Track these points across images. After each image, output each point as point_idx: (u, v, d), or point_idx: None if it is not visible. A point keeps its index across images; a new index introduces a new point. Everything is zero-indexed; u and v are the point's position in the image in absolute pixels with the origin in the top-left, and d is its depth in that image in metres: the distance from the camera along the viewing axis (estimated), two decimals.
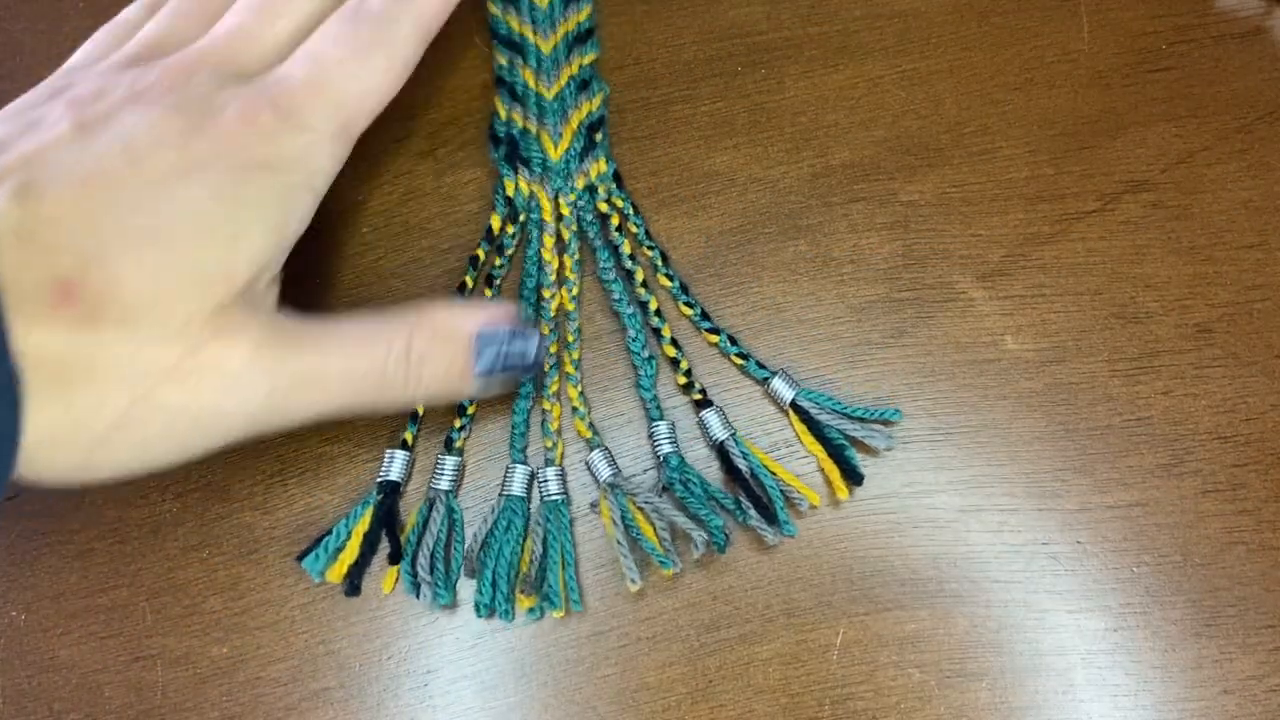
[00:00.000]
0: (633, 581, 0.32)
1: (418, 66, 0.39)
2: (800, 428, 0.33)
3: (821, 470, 0.33)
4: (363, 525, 0.32)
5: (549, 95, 0.36)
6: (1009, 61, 0.37)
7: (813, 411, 0.33)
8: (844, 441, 0.33)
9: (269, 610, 0.33)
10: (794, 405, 0.33)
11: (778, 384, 0.34)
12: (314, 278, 0.37)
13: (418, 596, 0.32)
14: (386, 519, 0.33)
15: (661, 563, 0.31)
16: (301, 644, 0.33)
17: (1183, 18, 0.38)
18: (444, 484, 0.33)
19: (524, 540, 0.33)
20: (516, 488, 0.33)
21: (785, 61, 0.38)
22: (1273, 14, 0.37)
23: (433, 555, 0.32)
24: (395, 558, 0.32)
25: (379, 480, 0.33)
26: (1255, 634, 0.31)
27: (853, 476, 0.33)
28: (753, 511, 0.32)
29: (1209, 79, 0.37)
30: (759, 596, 0.33)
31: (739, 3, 0.39)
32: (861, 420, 0.33)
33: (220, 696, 0.33)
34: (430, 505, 0.33)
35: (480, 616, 0.32)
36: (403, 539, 0.33)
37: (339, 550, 0.32)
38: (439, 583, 0.32)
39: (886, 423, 0.33)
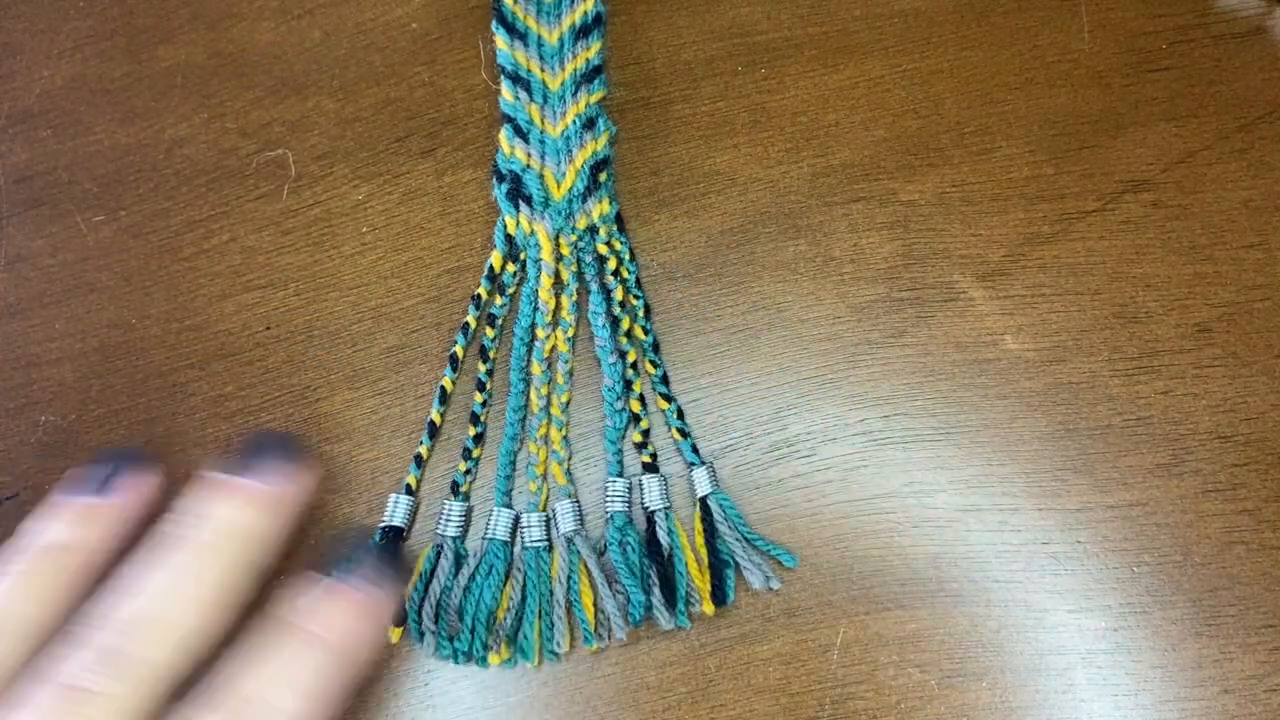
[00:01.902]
0: (557, 645, 0.31)
1: (416, 67, 0.39)
2: (698, 526, 0.33)
3: (690, 579, 0.32)
4: None
5: (554, 133, 0.36)
6: (1009, 61, 0.37)
7: (716, 518, 0.33)
8: (730, 561, 0.32)
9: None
10: (702, 502, 0.33)
11: (698, 475, 0.33)
12: (314, 278, 0.37)
13: (420, 643, 0.32)
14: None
15: (585, 638, 0.31)
16: None
17: (1183, 18, 0.38)
18: (451, 530, 0.33)
19: (504, 585, 0.32)
20: (500, 531, 0.33)
21: (785, 61, 0.38)
22: (1273, 14, 0.37)
23: (439, 605, 0.32)
24: (400, 620, 0.32)
25: (381, 526, 0.33)
26: (1255, 634, 0.31)
27: (719, 597, 0.32)
28: (657, 590, 0.31)
29: (1209, 79, 0.37)
30: (759, 596, 0.33)
31: (739, 3, 0.39)
32: (758, 549, 0.32)
33: None
34: (438, 551, 0.33)
35: (458, 663, 0.32)
36: (409, 586, 0.32)
37: None
38: (442, 634, 0.32)
39: (779, 564, 0.32)
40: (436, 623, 0.32)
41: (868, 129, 0.37)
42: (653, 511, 0.33)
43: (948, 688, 0.32)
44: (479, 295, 0.35)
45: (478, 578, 0.32)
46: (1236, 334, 0.34)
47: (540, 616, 0.32)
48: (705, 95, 0.38)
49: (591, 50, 0.37)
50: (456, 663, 0.32)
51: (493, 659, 0.31)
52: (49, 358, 0.36)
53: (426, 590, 0.32)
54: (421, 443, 0.34)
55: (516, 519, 0.33)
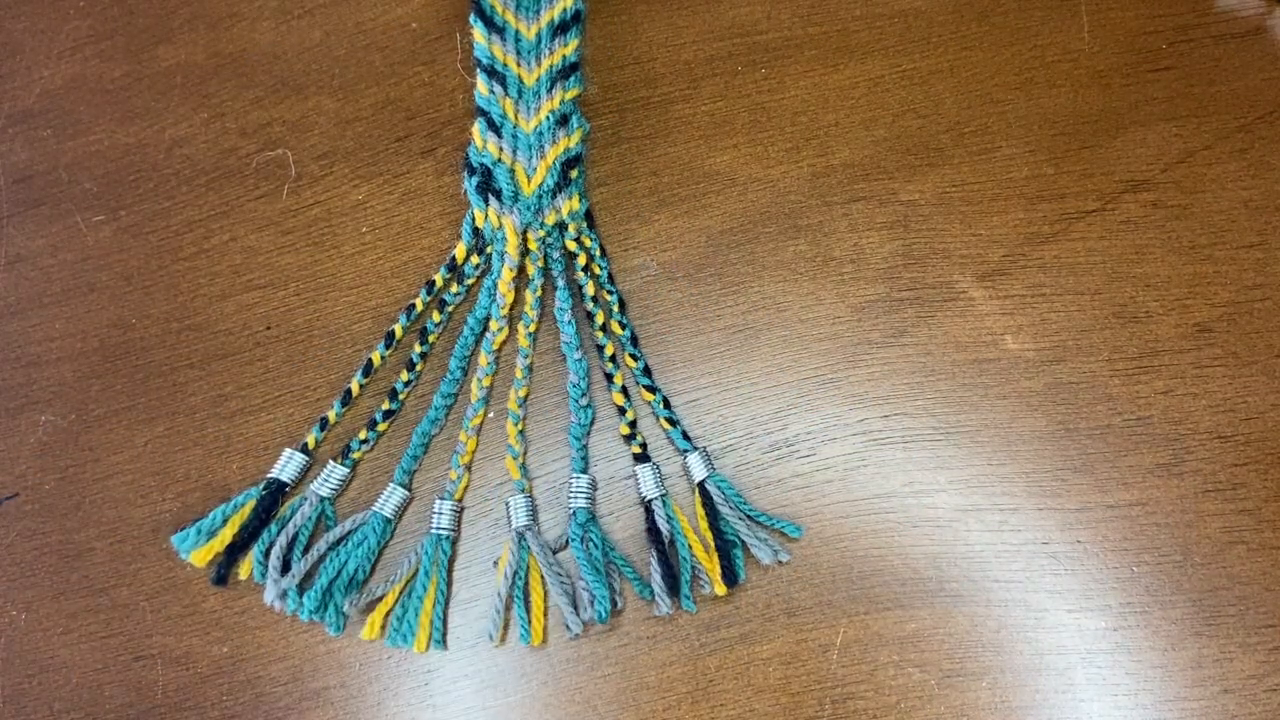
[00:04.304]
0: (490, 636, 0.32)
1: (416, 67, 0.39)
2: (700, 510, 0.33)
3: (697, 561, 0.32)
4: (240, 516, 0.33)
5: (527, 128, 0.36)
6: (1009, 61, 0.37)
7: (716, 500, 0.33)
8: (736, 540, 0.32)
9: (269, 610, 0.33)
10: (700, 486, 0.33)
11: (692, 460, 0.33)
12: (314, 278, 0.37)
13: (262, 581, 0.33)
14: (268, 514, 0.33)
15: (521, 635, 0.32)
16: (301, 644, 0.33)
17: (1183, 18, 0.38)
18: (325, 490, 0.33)
19: (374, 559, 0.33)
20: (387, 508, 0.33)
21: (785, 61, 0.38)
22: (1273, 14, 0.37)
23: (287, 551, 0.33)
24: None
25: (268, 477, 0.34)
26: (1255, 633, 0.31)
27: (730, 578, 0.32)
28: (658, 577, 0.32)
29: (1209, 79, 0.37)
30: (759, 596, 0.33)
31: (739, 3, 0.39)
32: (761, 525, 0.33)
33: (220, 696, 0.33)
34: (302, 501, 0.33)
35: (304, 619, 0.32)
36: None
37: (212, 535, 0.33)
38: (277, 578, 0.32)
39: (785, 536, 0.33)
40: (283, 572, 0.32)
41: (868, 129, 0.37)
42: (650, 500, 0.33)
43: (948, 688, 0.32)
44: (433, 281, 0.35)
45: (347, 544, 0.33)
46: (1236, 334, 0.34)
47: (433, 603, 0.32)
48: (705, 95, 0.38)
49: (569, 47, 0.37)
50: (303, 618, 0.32)
51: (368, 631, 0.32)
52: (49, 358, 0.36)
53: (276, 536, 0.33)
54: (332, 406, 0.34)
55: (408, 500, 0.34)
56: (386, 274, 0.36)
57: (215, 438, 0.35)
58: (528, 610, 0.32)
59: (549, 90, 0.36)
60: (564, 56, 0.37)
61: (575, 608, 0.32)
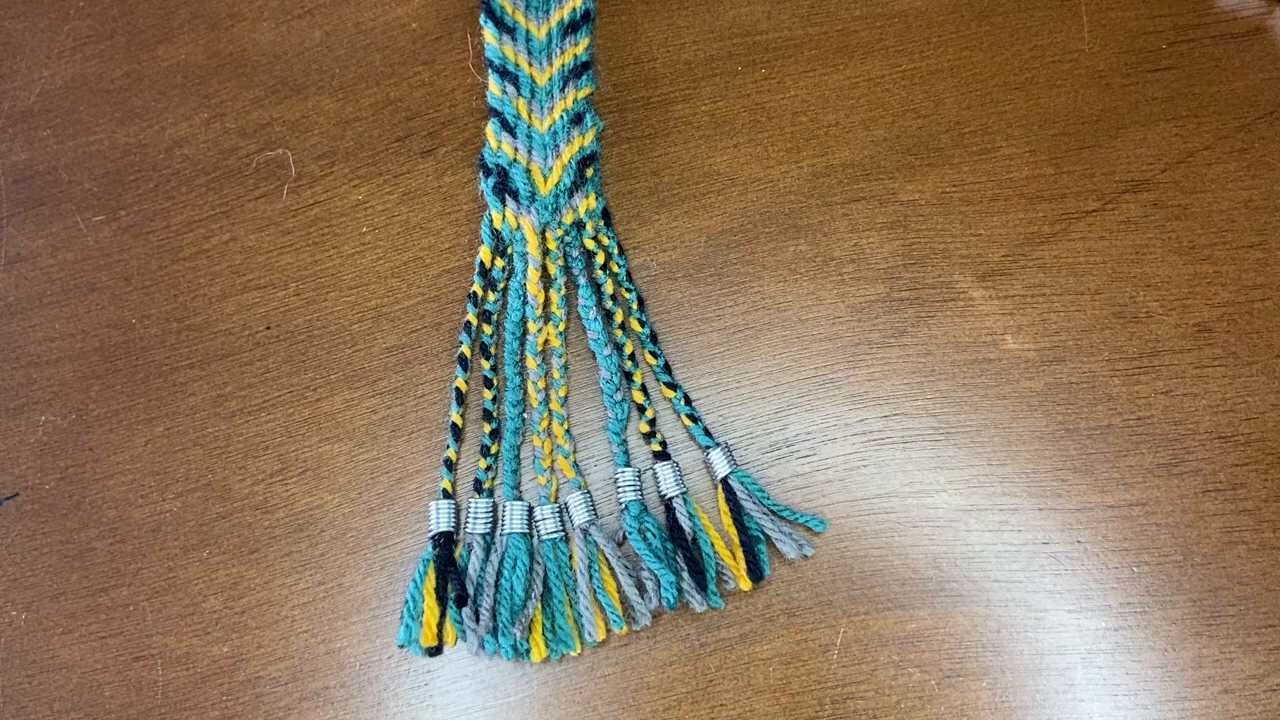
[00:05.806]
0: (588, 634, 0.31)
1: (416, 67, 0.39)
2: (723, 506, 0.33)
3: (720, 559, 0.32)
4: (430, 583, 0.32)
5: (541, 128, 0.36)
6: (1009, 61, 0.37)
7: (740, 495, 0.33)
8: (760, 535, 0.32)
9: (269, 610, 0.33)
10: (724, 482, 0.33)
11: (715, 457, 0.33)
12: (314, 278, 0.37)
13: (465, 640, 0.32)
14: (449, 569, 0.32)
15: (615, 622, 0.31)
16: (301, 644, 0.33)
17: (1183, 18, 0.38)
18: (479, 527, 0.33)
19: (529, 575, 0.32)
20: (516, 524, 0.33)
21: (785, 61, 0.38)
22: (1273, 14, 0.37)
23: (477, 603, 0.32)
24: (462, 600, 0.32)
25: (431, 534, 0.33)
26: (1255, 633, 0.31)
27: (755, 573, 0.32)
28: (687, 575, 0.32)
29: (1209, 79, 0.37)
30: (759, 596, 0.33)
31: (739, 3, 0.39)
32: (785, 520, 0.33)
33: (220, 696, 0.33)
34: (469, 549, 0.33)
35: (508, 659, 0.32)
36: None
37: (421, 614, 0.32)
38: (475, 627, 0.31)
39: (809, 530, 0.33)
40: (478, 621, 0.31)
41: (868, 129, 0.37)
42: (670, 498, 0.33)
43: (948, 688, 0.32)
44: (475, 293, 0.35)
45: (504, 572, 0.32)
46: (1236, 334, 0.34)
47: (570, 605, 0.32)
48: (705, 95, 0.38)
49: (580, 46, 0.37)
50: (507, 658, 0.31)
51: (536, 653, 0.31)
52: (49, 358, 0.36)
53: (463, 589, 0.32)
54: (448, 446, 0.34)
55: (530, 509, 0.33)
56: (386, 274, 0.36)
57: (215, 438, 0.35)
58: (611, 600, 0.32)
59: (562, 89, 0.36)
60: (575, 55, 0.37)
61: (642, 596, 0.32)
